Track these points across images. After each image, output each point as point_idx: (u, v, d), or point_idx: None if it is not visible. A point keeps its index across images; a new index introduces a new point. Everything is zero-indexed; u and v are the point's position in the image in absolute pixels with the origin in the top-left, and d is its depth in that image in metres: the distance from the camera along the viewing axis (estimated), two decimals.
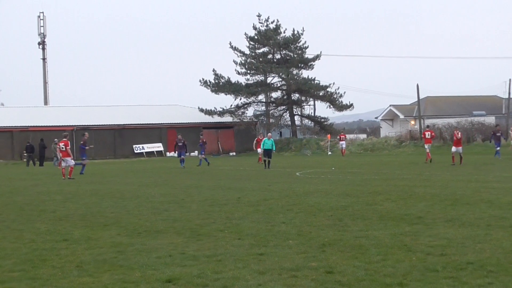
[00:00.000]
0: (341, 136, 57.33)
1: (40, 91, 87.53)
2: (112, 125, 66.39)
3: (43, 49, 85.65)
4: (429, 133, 38.88)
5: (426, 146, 38.23)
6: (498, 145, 39.34)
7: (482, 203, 15.01)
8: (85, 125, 63.99)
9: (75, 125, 63.90)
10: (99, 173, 33.77)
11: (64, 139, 30.53)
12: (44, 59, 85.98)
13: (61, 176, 29.91)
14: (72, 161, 30.40)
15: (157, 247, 10.37)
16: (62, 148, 30.18)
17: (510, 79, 66.17)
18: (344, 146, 55.89)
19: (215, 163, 46.63)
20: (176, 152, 41.84)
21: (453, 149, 34.49)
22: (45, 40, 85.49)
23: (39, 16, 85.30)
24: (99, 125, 64.87)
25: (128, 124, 67.36)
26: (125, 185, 24.81)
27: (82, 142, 34.18)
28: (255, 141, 46.58)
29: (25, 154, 53.89)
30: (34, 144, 53.68)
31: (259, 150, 41.73)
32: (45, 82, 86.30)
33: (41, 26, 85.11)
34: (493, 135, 40.59)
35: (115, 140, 66.12)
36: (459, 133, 35.38)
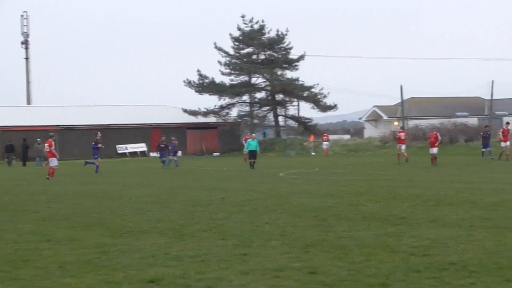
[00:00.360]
0: (324, 137, 57.42)
1: (23, 91, 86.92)
2: (95, 125, 65.89)
3: (26, 48, 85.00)
4: (403, 134, 39.72)
5: (398, 147, 39.38)
6: (486, 146, 39.28)
7: (465, 204, 15.10)
8: (68, 125, 63.62)
9: (58, 125, 63.48)
10: (83, 173, 33.60)
11: (50, 139, 30.39)
12: (27, 58, 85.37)
13: (45, 176, 29.76)
14: (56, 162, 30.17)
15: (141, 247, 10.34)
16: (47, 148, 30.03)
17: (492, 81, 66.80)
18: (327, 146, 55.88)
19: (199, 163, 46.55)
20: (158, 152, 42.09)
21: (431, 150, 34.97)
22: (28, 39, 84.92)
23: (22, 16, 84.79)
24: (83, 125, 64.43)
25: (112, 124, 67.00)
26: (109, 185, 24.71)
27: (93, 142, 34.20)
28: (243, 140, 46.78)
29: (5, 154, 53.53)
30: (13, 144, 53.32)
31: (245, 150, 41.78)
32: (28, 82, 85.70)
33: (24, 26, 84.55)
34: (482, 136, 40.57)
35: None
36: (436, 134, 35.68)
